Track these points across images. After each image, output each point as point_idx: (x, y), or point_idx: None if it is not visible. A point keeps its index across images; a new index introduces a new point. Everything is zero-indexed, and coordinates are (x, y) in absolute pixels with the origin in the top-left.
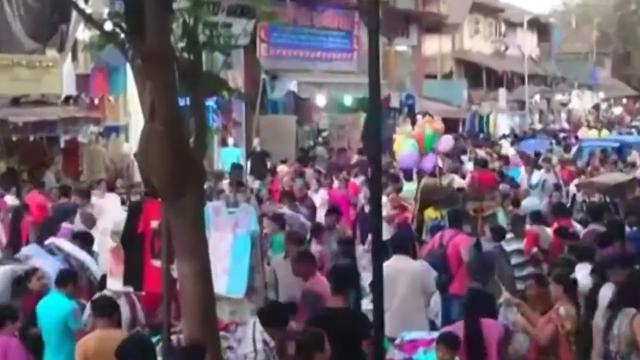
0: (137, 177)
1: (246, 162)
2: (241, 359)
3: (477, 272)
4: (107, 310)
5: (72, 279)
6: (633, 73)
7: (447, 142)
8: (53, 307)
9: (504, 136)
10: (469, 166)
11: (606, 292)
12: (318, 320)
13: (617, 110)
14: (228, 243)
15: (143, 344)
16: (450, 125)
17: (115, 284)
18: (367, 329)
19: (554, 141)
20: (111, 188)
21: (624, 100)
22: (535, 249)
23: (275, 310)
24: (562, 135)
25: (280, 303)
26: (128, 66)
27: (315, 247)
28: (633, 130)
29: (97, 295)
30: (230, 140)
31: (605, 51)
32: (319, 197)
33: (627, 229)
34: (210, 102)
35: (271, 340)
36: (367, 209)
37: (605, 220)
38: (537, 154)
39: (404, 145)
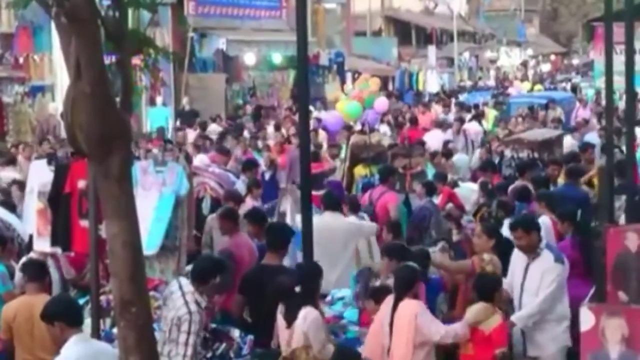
0: (63, 136)
1: (175, 121)
2: (175, 321)
3: (410, 228)
4: (37, 275)
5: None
6: (561, 29)
7: (383, 104)
8: None
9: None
10: None
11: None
12: (250, 277)
13: (545, 67)
14: (153, 201)
15: (68, 305)
16: (380, 82)
17: (42, 245)
18: (293, 289)
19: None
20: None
21: (552, 57)
22: (450, 205)
23: (203, 265)
24: (495, 92)
25: (209, 258)
26: (53, 25)
27: (250, 203)
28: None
29: (25, 258)
30: (159, 100)
31: (533, 8)
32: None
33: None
34: (137, 61)
35: (202, 300)
36: None
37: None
38: (476, 107)
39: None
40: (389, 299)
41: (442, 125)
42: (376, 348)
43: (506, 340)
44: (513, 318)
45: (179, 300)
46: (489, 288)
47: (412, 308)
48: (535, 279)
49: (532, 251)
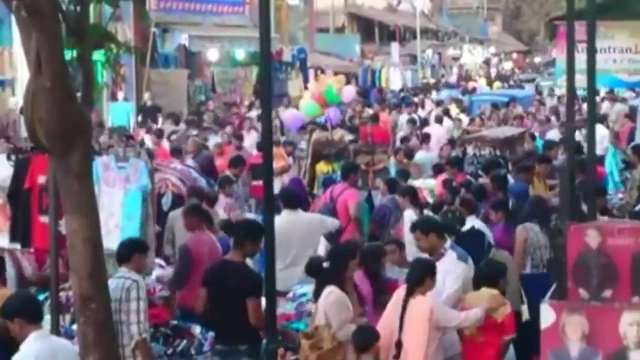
0: (24, 132)
1: (137, 116)
2: (124, 294)
3: (372, 225)
4: None
5: None
6: (523, 28)
7: (350, 92)
8: None
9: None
10: None
11: None
12: (213, 274)
13: (508, 65)
14: (119, 199)
15: (28, 302)
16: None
17: (1, 241)
18: (253, 287)
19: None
20: None
21: (514, 55)
22: None
23: (122, 245)
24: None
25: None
26: (13, 18)
27: (222, 200)
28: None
29: None
30: (120, 95)
31: (495, 6)
32: None
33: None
34: (99, 56)
35: (138, 276)
36: None
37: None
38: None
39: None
40: (399, 293)
41: (441, 120)
42: (385, 340)
43: (515, 328)
44: None
45: (119, 280)
46: (495, 274)
47: (425, 305)
48: (439, 279)
49: (433, 252)
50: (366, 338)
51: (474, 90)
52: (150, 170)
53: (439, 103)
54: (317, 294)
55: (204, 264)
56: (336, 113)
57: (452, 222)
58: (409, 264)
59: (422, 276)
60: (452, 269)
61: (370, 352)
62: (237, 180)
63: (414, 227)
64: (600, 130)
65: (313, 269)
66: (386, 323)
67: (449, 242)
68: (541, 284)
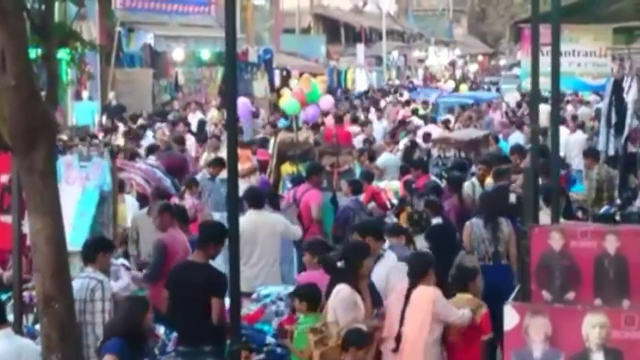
0: None
1: (101, 116)
2: (89, 294)
3: (335, 226)
4: None
5: None
6: (488, 30)
7: (328, 102)
8: None
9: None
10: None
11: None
12: (175, 274)
13: (473, 67)
14: (76, 196)
15: None
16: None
17: None
18: (218, 287)
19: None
20: None
21: (480, 58)
22: (372, 204)
23: (87, 244)
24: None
25: (92, 238)
26: None
27: (188, 199)
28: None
29: None
30: (85, 94)
31: (461, 8)
32: None
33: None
34: (63, 54)
35: (103, 276)
36: None
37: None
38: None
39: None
40: (401, 286)
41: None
42: (389, 333)
43: (491, 327)
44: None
45: (84, 281)
46: (464, 279)
47: (428, 294)
48: (381, 279)
49: (372, 254)
50: (357, 337)
51: (456, 90)
52: (112, 170)
53: (407, 103)
54: (328, 291)
55: (178, 260)
56: (315, 112)
57: (418, 223)
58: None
59: (424, 269)
60: (393, 269)
61: (354, 353)
62: (214, 180)
63: (353, 230)
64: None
65: (328, 266)
66: (389, 316)
67: (387, 244)
68: (486, 275)
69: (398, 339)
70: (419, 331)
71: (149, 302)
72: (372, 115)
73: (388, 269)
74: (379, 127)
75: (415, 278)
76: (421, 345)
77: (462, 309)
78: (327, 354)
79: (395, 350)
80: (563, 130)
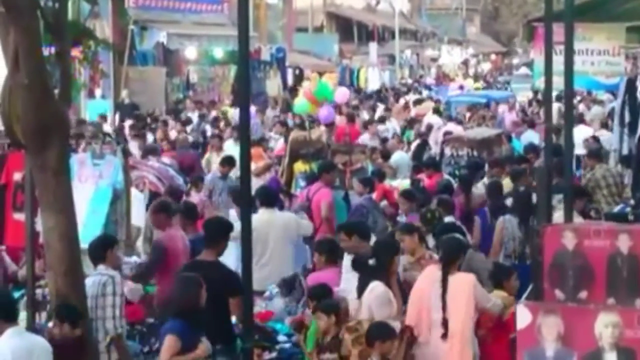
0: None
1: (114, 114)
2: (100, 289)
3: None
4: None
5: None
6: (501, 29)
7: (343, 94)
8: None
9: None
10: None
11: None
12: (186, 271)
13: (486, 66)
14: (89, 193)
15: (2, 300)
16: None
17: None
18: (233, 286)
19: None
20: None
21: (493, 56)
22: (384, 202)
23: (93, 244)
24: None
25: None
26: None
27: (194, 196)
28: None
29: None
30: (98, 92)
31: (474, 7)
32: None
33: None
34: (77, 53)
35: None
36: None
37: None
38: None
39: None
40: (429, 271)
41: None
42: (418, 318)
43: None
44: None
45: (96, 278)
46: (500, 276)
47: (468, 280)
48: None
49: (357, 252)
50: (382, 332)
51: (461, 88)
52: (125, 168)
53: (419, 101)
54: (360, 289)
55: (180, 259)
56: (330, 113)
57: (431, 222)
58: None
59: (457, 254)
60: None
61: (380, 347)
62: (226, 178)
63: (339, 229)
64: (587, 131)
65: (358, 264)
66: (417, 301)
67: (372, 242)
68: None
69: (445, 325)
70: (466, 317)
71: (202, 280)
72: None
73: None
74: (390, 126)
75: (449, 263)
76: (469, 332)
77: (496, 299)
78: (365, 352)
79: (445, 336)
80: (584, 129)
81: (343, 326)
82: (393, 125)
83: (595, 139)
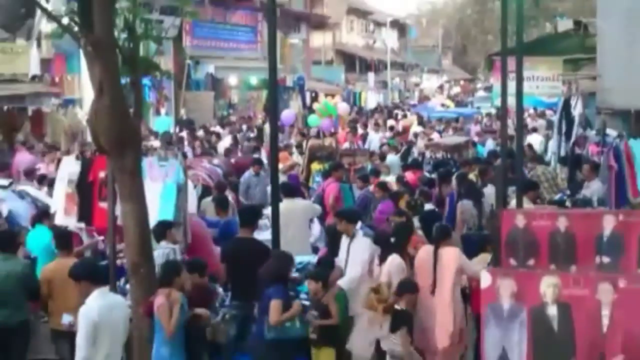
0: (89, 138)
1: (175, 127)
2: (169, 252)
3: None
4: (66, 244)
5: (47, 216)
6: (468, 61)
7: (344, 108)
8: (41, 236)
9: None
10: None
11: None
12: (232, 246)
13: (456, 90)
14: (159, 189)
15: (90, 268)
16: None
17: (69, 221)
18: (266, 256)
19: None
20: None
21: (462, 82)
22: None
23: (158, 225)
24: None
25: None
26: (82, 52)
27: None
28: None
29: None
30: (163, 111)
31: (448, 44)
32: None
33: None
34: (146, 81)
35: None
36: None
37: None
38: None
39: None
40: (426, 249)
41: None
42: (420, 281)
43: None
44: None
45: (161, 250)
46: (485, 243)
47: (454, 253)
48: (353, 254)
49: (348, 233)
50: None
51: (443, 105)
52: (184, 168)
53: (405, 116)
54: (382, 259)
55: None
56: (329, 124)
57: (414, 208)
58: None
59: (445, 235)
60: (361, 245)
61: (409, 297)
62: (258, 175)
63: (335, 215)
64: (537, 138)
65: (381, 241)
66: (419, 269)
67: (359, 225)
68: (472, 241)
69: (434, 285)
70: (448, 278)
71: (292, 256)
72: (369, 128)
73: (358, 244)
74: (376, 137)
75: (439, 241)
76: (450, 290)
77: (477, 265)
78: (388, 307)
79: (433, 292)
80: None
81: (330, 290)
82: (380, 136)
83: (530, 146)
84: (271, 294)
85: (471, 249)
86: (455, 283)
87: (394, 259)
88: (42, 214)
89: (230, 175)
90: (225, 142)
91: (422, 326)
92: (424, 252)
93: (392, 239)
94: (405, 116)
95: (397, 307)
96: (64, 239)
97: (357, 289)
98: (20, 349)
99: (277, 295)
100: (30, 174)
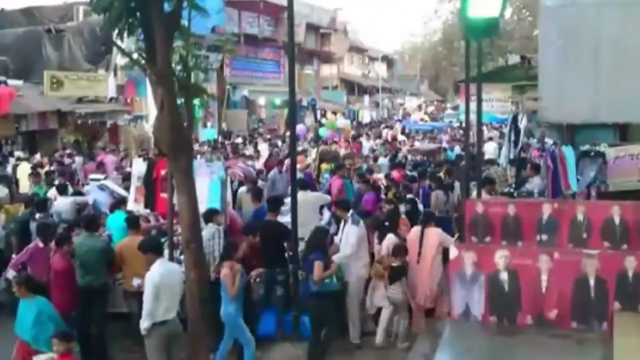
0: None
1: (218, 136)
2: (213, 234)
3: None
4: (135, 225)
5: (124, 203)
6: (440, 86)
7: (344, 122)
8: (117, 219)
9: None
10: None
11: None
12: (261, 227)
13: (431, 108)
14: (206, 184)
15: (153, 241)
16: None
17: (138, 207)
18: (287, 234)
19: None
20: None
21: (435, 102)
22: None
23: (207, 211)
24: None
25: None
26: (147, 79)
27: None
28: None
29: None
30: (208, 124)
31: (424, 74)
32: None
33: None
34: (196, 101)
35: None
36: None
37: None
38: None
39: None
40: (415, 229)
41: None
42: (411, 256)
43: None
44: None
45: (207, 231)
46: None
47: (436, 232)
48: (344, 237)
49: (344, 219)
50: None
51: (422, 120)
52: (225, 167)
53: (391, 127)
54: (381, 239)
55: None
56: (332, 135)
57: (399, 197)
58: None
59: (429, 219)
60: (351, 230)
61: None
62: (281, 173)
63: (333, 204)
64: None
65: (378, 225)
66: (409, 244)
67: (350, 213)
68: (444, 223)
69: (419, 256)
70: (431, 251)
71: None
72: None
73: (348, 229)
74: (367, 145)
75: (425, 223)
76: (431, 259)
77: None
78: (391, 273)
79: (418, 262)
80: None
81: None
82: (371, 144)
83: (482, 153)
84: (314, 257)
85: (441, 227)
86: (436, 254)
87: (390, 238)
88: (119, 202)
89: (261, 173)
90: (263, 150)
91: (410, 286)
92: (413, 232)
93: (386, 223)
94: (391, 128)
95: (393, 264)
96: (133, 221)
97: (349, 263)
98: (101, 305)
99: (319, 258)
100: (119, 169)
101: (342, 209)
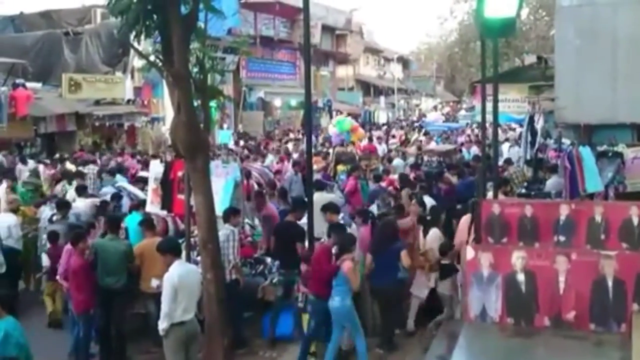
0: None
1: (234, 137)
2: (229, 234)
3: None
4: (151, 226)
5: (142, 205)
6: (456, 87)
7: (357, 126)
8: (135, 220)
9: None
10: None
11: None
12: (279, 228)
13: (447, 109)
14: (221, 184)
15: (172, 243)
16: (353, 117)
17: (154, 209)
18: (302, 235)
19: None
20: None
21: (451, 103)
22: (390, 187)
23: (228, 209)
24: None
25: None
26: (164, 81)
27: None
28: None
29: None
30: (225, 125)
31: (441, 75)
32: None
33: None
34: (212, 103)
35: (234, 229)
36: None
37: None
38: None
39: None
40: (465, 218)
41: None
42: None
43: None
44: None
45: (224, 232)
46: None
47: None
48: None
49: (330, 222)
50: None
51: (444, 121)
52: (241, 169)
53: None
54: (425, 233)
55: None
56: (339, 137)
57: (416, 197)
58: None
59: (438, 218)
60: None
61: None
62: (297, 174)
63: (321, 209)
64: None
65: (424, 219)
66: (461, 235)
67: (341, 215)
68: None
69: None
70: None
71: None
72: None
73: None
74: (380, 147)
75: (432, 223)
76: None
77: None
78: (433, 266)
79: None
80: (507, 145)
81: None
82: (383, 148)
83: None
84: (399, 247)
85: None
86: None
87: (435, 232)
88: (137, 205)
89: (279, 173)
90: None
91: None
92: (464, 220)
93: (428, 217)
94: (402, 128)
95: (443, 262)
96: (148, 223)
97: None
98: (121, 305)
99: (404, 247)
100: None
101: (330, 212)
